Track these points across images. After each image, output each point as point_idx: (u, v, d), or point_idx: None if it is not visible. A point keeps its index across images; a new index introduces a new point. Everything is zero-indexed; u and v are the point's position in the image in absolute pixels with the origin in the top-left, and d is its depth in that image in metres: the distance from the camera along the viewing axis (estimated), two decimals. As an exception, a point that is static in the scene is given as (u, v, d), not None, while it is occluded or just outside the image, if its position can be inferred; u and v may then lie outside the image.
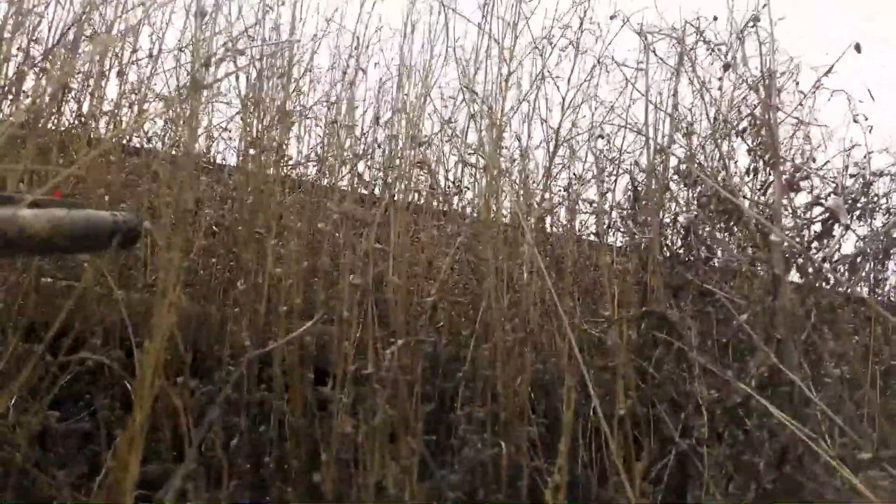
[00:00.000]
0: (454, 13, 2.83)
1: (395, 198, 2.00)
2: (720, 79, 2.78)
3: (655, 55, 2.62)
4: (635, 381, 1.44)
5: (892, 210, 2.54)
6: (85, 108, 2.31)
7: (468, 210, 2.52)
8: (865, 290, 2.56)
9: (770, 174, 2.33)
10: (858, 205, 2.33)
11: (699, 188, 2.62)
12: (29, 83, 2.11)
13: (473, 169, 2.28)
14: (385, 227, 1.66)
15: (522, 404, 1.30)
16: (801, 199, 2.55)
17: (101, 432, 1.23)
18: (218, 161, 2.65)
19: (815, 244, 2.25)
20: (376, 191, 2.37)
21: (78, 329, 1.41)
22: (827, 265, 1.90)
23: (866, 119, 2.62)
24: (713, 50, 2.65)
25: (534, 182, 2.41)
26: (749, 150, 2.56)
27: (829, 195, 2.35)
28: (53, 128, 2.01)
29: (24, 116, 2.06)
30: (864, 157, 2.55)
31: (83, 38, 2.29)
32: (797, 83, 2.62)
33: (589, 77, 3.01)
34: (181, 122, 2.51)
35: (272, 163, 2.27)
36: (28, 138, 2.03)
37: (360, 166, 2.66)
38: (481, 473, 1.13)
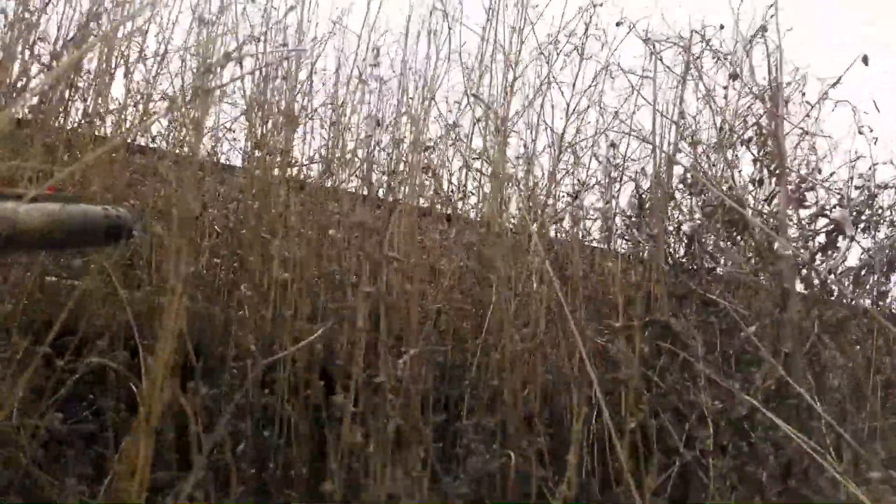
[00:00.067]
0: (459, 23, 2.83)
1: (400, 201, 2.00)
2: (726, 87, 2.78)
3: (662, 63, 2.61)
4: (642, 391, 1.43)
5: (896, 222, 2.54)
6: (91, 108, 2.30)
7: (472, 215, 2.52)
8: (868, 301, 2.55)
9: (776, 184, 2.34)
10: (863, 217, 2.33)
11: (703, 197, 2.62)
12: (35, 82, 2.10)
13: (478, 174, 2.28)
14: (388, 229, 1.66)
15: (530, 413, 1.29)
16: (806, 209, 2.56)
17: (108, 435, 1.22)
18: (222, 162, 2.64)
19: (819, 256, 2.25)
20: (380, 193, 2.37)
21: (83, 329, 1.41)
22: (832, 277, 1.90)
23: (871, 130, 2.62)
24: (720, 59, 2.66)
25: (539, 188, 2.40)
26: (755, 161, 2.56)
27: (834, 207, 2.35)
28: (60, 127, 2.00)
29: (24, 113, 2.06)
30: (869, 168, 2.55)
31: (91, 37, 2.28)
32: (803, 94, 2.63)
33: (594, 83, 3.01)
34: (186, 123, 2.51)
35: (277, 165, 2.27)
36: (35, 137, 2.02)
37: (364, 169, 2.67)
38: (488, 483, 1.13)
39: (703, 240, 2.61)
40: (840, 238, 2.19)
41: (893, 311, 2.87)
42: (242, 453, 1.18)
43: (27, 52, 2.07)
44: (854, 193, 2.46)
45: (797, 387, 1.32)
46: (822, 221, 2.32)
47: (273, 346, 1.40)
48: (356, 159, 2.66)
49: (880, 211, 2.41)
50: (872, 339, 2.15)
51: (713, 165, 2.60)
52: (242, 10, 2.62)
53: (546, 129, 2.85)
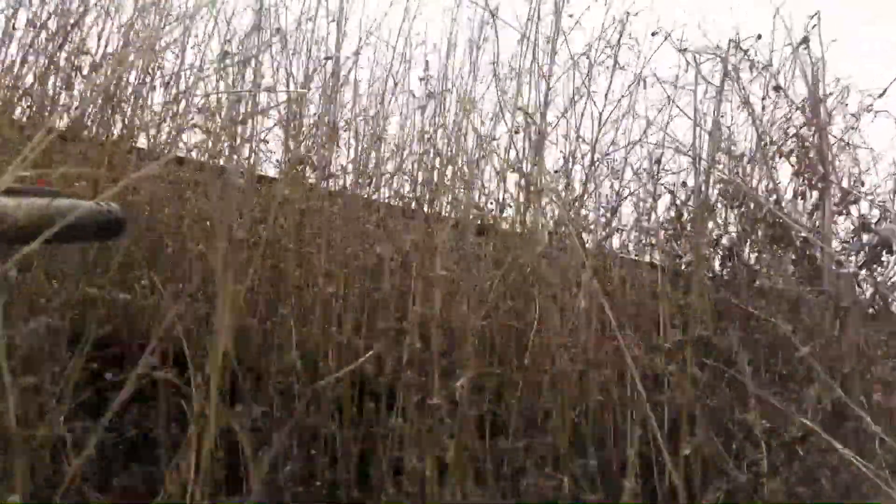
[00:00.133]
0: (493, 25, 2.81)
1: (440, 213, 1.99)
2: (764, 98, 2.74)
3: (700, 75, 2.58)
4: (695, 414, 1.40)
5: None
6: (130, 119, 2.32)
7: (505, 226, 2.50)
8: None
9: (819, 197, 2.29)
10: (908, 230, 2.28)
11: (743, 209, 2.58)
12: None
13: (515, 185, 2.26)
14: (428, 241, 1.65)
15: (580, 434, 1.27)
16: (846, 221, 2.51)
17: (159, 452, 1.22)
18: (259, 173, 2.64)
19: (863, 271, 2.20)
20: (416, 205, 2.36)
21: (128, 341, 1.40)
22: (884, 292, 1.85)
23: (914, 142, 2.56)
24: (759, 71, 2.62)
25: (575, 200, 2.38)
26: (796, 173, 2.51)
27: (878, 221, 2.29)
28: (104, 138, 2.02)
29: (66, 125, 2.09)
30: (913, 180, 2.49)
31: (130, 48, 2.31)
32: (846, 105, 2.58)
33: (627, 93, 2.98)
34: (223, 135, 2.52)
35: (316, 177, 2.27)
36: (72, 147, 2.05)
37: (397, 181, 2.66)
38: (542, 507, 1.11)
39: (743, 253, 2.57)
40: (885, 253, 2.14)
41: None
42: (290, 473, 1.17)
43: (68, 65, 2.10)
44: (897, 207, 2.41)
45: (856, 409, 1.28)
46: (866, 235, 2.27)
47: (317, 363, 1.39)
48: (390, 171, 2.67)
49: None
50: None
51: (754, 178, 2.56)
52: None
53: (580, 140, 2.84)
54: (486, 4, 2.73)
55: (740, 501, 1.48)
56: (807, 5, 2.49)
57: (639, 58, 2.87)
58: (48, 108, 2.01)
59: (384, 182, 2.61)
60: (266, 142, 2.82)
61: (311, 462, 1.28)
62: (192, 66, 2.74)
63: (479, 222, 2.35)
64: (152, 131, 2.39)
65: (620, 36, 2.93)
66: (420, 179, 2.48)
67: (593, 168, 2.87)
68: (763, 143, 2.52)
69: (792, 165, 2.50)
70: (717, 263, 2.65)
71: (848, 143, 2.55)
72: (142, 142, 2.51)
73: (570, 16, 2.89)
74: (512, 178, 2.69)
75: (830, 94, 2.54)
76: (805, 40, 2.32)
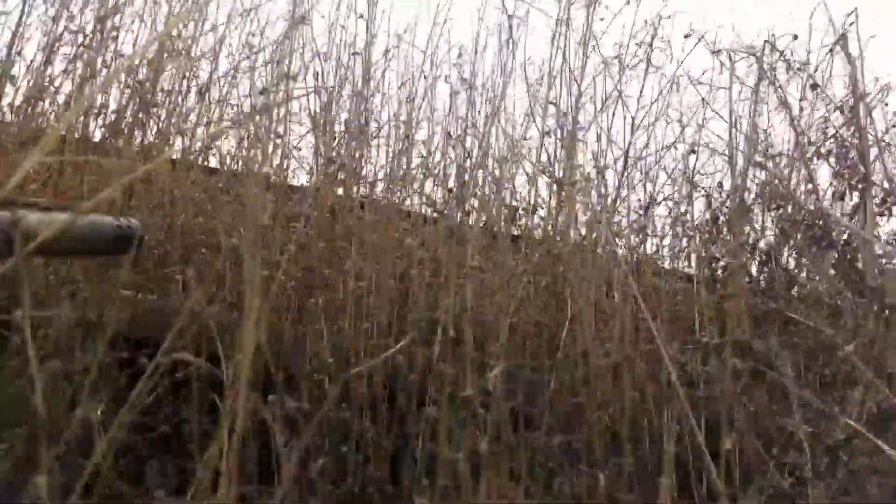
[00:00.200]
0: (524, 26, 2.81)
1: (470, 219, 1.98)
2: (802, 99, 2.69)
3: (735, 77, 2.54)
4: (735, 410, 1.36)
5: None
6: (165, 126, 2.35)
7: (538, 233, 2.48)
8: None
9: (860, 198, 2.23)
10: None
11: (781, 213, 2.53)
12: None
13: (547, 187, 2.24)
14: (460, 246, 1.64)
15: (615, 432, 1.24)
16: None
17: (190, 446, 1.22)
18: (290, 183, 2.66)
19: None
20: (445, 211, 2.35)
21: (161, 341, 1.40)
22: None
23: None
24: (796, 71, 2.57)
25: (609, 204, 2.35)
26: (835, 174, 2.45)
27: (922, 221, 2.23)
28: (139, 144, 2.06)
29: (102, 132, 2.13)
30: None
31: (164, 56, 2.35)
32: (886, 104, 2.52)
33: (660, 96, 2.95)
34: (255, 141, 2.55)
35: (346, 182, 2.28)
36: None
37: (429, 185, 2.66)
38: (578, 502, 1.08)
39: (782, 257, 2.51)
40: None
41: None
42: (322, 469, 1.16)
43: (105, 70, 2.14)
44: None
45: (905, 409, 1.23)
46: None
47: (349, 361, 1.38)
48: (421, 176, 2.67)
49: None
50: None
51: (790, 180, 2.51)
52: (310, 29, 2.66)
53: (611, 143, 2.81)
54: (513, 11, 2.72)
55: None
56: (843, 4, 2.44)
57: (671, 60, 2.85)
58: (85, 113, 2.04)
59: (416, 187, 2.61)
60: (298, 149, 2.85)
61: (342, 459, 1.27)
62: (225, 75, 2.79)
63: (512, 230, 2.34)
64: (186, 139, 2.43)
65: (653, 39, 2.92)
66: (450, 184, 2.48)
67: (626, 172, 2.85)
68: (801, 143, 2.47)
69: (831, 166, 2.45)
70: (754, 268, 2.60)
71: (889, 143, 2.49)
72: (176, 147, 2.56)
73: (602, 19, 2.88)
74: (543, 181, 2.69)
75: (869, 93, 2.49)
76: (843, 37, 2.27)
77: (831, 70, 2.54)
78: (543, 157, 2.45)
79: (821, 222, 2.20)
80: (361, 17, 2.39)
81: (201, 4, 2.42)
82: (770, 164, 2.47)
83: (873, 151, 2.38)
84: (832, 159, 2.46)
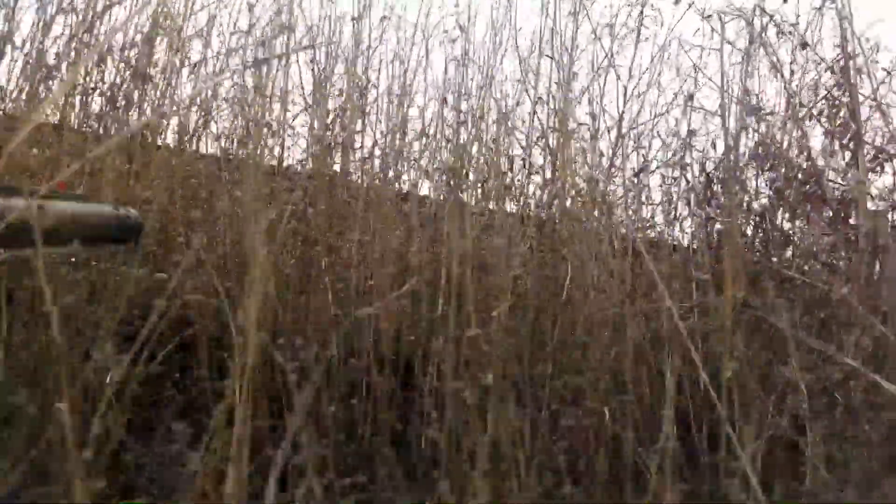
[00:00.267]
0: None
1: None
2: (792, 62, 2.71)
3: (725, 40, 2.55)
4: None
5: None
6: (159, 103, 2.36)
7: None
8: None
9: (851, 155, 2.26)
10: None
11: (774, 174, 2.54)
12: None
13: (542, 153, 2.26)
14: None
15: (620, 372, 1.26)
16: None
17: (202, 403, 1.24)
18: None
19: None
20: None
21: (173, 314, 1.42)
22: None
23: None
24: (786, 34, 2.59)
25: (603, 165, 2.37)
26: (826, 133, 2.47)
27: (914, 176, 2.25)
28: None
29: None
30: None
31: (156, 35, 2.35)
32: (876, 62, 2.54)
33: (652, 65, 2.97)
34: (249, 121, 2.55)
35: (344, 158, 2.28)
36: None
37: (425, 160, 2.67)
38: (583, 442, 1.11)
39: (776, 218, 2.53)
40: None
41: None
42: (333, 414, 1.18)
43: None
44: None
45: (899, 343, 1.26)
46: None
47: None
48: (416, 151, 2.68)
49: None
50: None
51: (785, 140, 2.52)
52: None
53: (603, 112, 2.83)
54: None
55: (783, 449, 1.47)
56: (832, -35, 2.45)
57: (661, 27, 2.86)
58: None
59: (412, 162, 2.62)
60: (293, 127, 2.86)
61: (350, 408, 1.29)
62: (217, 54, 2.79)
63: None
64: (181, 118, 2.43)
65: (643, 7, 2.93)
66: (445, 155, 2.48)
67: (620, 141, 2.86)
68: (793, 104, 2.49)
69: (823, 126, 2.47)
70: (749, 231, 2.62)
71: (880, 102, 2.50)
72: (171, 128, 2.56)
73: (591, -11, 2.89)
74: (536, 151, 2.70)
75: (859, 53, 2.50)
76: (832, -5, 2.28)
77: (821, 31, 2.55)
78: (536, 124, 2.46)
79: (814, 180, 2.22)
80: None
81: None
82: (762, 126, 2.49)
83: (863, 111, 2.41)
84: (824, 119, 2.48)
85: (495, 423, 0.90)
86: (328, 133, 2.43)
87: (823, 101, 2.54)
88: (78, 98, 2.05)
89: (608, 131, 2.84)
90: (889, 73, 2.39)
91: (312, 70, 2.61)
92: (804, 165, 2.28)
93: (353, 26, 2.45)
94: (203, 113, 2.62)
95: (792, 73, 2.73)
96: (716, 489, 1.20)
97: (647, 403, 1.32)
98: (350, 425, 1.31)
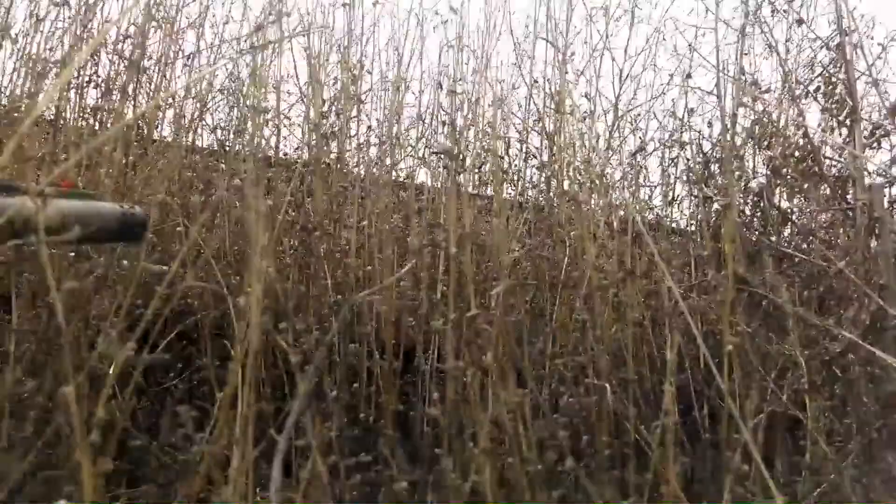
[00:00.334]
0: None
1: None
2: (788, 40, 2.71)
3: (719, 19, 2.55)
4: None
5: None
6: (154, 94, 2.35)
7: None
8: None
9: (848, 132, 2.26)
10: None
11: (770, 153, 2.55)
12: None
13: (539, 135, 2.26)
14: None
15: (620, 351, 1.27)
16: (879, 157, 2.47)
17: (205, 390, 1.25)
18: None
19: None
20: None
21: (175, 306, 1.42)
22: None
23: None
24: (780, 10, 2.59)
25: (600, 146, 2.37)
26: (823, 110, 2.47)
27: (911, 151, 2.25)
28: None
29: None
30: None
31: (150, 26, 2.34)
32: (871, 38, 2.54)
33: (647, 46, 2.98)
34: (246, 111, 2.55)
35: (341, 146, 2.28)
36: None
37: (422, 148, 2.67)
38: (584, 419, 1.12)
39: (773, 197, 2.54)
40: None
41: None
42: (336, 399, 1.19)
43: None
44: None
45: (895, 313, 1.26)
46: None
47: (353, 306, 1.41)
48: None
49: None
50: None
51: (781, 118, 2.53)
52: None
53: (600, 96, 2.83)
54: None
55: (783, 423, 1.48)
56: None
57: (655, 7, 2.87)
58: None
59: (408, 150, 2.63)
60: (289, 118, 2.86)
61: (354, 394, 1.30)
62: (211, 46, 2.78)
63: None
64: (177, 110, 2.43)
65: (638, -12, 2.92)
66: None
67: (616, 123, 2.87)
68: (789, 82, 2.49)
69: (819, 103, 2.47)
70: (747, 210, 2.63)
71: (876, 79, 2.50)
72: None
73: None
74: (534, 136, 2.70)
75: (854, 29, 2.50)
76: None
77: (815, 8, 2.55)
78: (532, 108, 2.47)
79: (811, 157, 2.22)
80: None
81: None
82: (759, 104, 2.49)
83: (859, 87, 2.40)
84: (820, 96, 2.48)
85: (496, 402, 0.90)
86: (324, 121, 2.43)
87: (819, 79, 2.54)
88: (73, 92, 2.05)
89: (605, 114, 2.85)
90: (884, 48, 2.39)
91: (308, 56, 2.61)
92: (801, 143, 2.29)
93: (346, 12, 2.44)
94: (199, 104, 2.62)
95: (787, 50, 2.74)
96: (717, 465, 1.22)
97: (648, 381, 1.33)
98: (353, 410, 1.32)
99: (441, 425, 0.93)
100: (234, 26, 2.81)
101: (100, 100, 1.96)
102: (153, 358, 1.06)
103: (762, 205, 2.49)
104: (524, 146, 2.61)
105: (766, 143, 2.45)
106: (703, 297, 1.60)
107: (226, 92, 2.79)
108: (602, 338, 1.23)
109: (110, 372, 1.02)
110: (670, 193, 2.86)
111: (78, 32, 2.00)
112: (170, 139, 2.44)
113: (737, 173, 2.55)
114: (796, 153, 2.27)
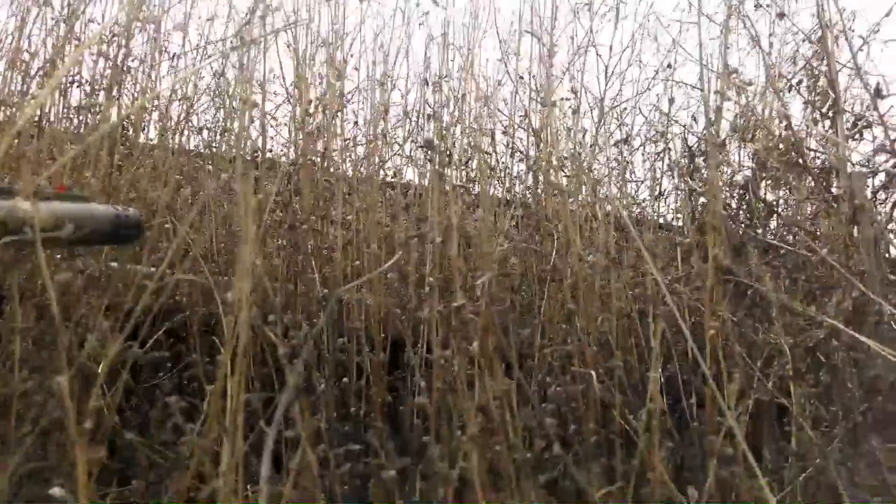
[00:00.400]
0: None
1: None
2: (771, 34, 2.74)
3: (703, 14, 2.57)
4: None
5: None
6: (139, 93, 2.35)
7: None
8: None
9: (831, 123, 2.28)
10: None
11: (754, 146, 2.57)
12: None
13: (526, 132, 2.27)
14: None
15: (607, 341, 1.29)
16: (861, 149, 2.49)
17: (195, 386, 1.25)
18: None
19: (880, 194, 2.20)
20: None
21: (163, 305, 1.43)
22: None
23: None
24: (763, 5, 2.61)
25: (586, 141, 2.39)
26: (806, 103, 2.50)
27: (894, 142, 2.28)
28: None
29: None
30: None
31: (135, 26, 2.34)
32: (853, 30, 2.56)
33: (632, 43, 3.00)
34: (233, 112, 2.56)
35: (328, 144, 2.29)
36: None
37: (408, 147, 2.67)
38: (571, 407, 1.13)
39: (758, 189, 2.56)
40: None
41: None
42: (323, 392, 1.20)
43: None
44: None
45: (882, 302, 1.28)
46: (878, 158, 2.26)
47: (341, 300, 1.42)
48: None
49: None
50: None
51: (765, 111, 2.55)
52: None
53: (585, 92, 2.85)
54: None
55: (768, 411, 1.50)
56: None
57: (640, 2, 2.89)
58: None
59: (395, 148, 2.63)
60: (275, 118, 2.85)
61: (345, 389, 1.31)
62: (196, 47, 2.77)
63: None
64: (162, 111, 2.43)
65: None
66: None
67: (602, 120, 2.89)
68: (772, 76, 2.52)
69: (802, 96, 2.50)
70: (733, 203, 2.66)
71: (859, 70, 2.53)
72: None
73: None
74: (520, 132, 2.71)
75: (836, 22, 2.53)
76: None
77: (797, 1, 2.58)
78: (518, 104, 2.48)
79: (795, 149, 2.24)
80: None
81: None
82: (742, 98, 2.51)
83: (842, 80, 2.43)
84: (803, 89, 2.50)
85: (483, 390, 0.91)
86: (309, 119, 2.43)
87: (802, 72, 2.57)
88: (56, 93, 2.04)
89: (591, 109, 2.87)
90: (865, 40, 2.41)
91: (294, 52, 2.61)
92: (784, 135, 2.31)
93: (330, 10, 2.45)
94: (185, 104, 2.61)
95: (771, 44, 2.77)
96: (703, 450, 1.23)
97: (636, 372, 1.34)
98: (343, 406, 1.32)
99: (429, 413, 0.94)
100: (220, 27, 2.81)
101: (83, 100, 1.96)
102: (143, 354, 1.07)
103: (747, 197, 2.52)
104: (510, 142, 2.62)
105: (750, 135, 2.47)
106: (688, 288, 1.61)
107: (212, 93, 2.78)
108: (588, 328, 1.25)
109: (99, 371, 1.02)
110: (657, 188, 2.89)
111: (62, 34, 2.00)
112: (155, 141, 2.44)
113: (721, 166, 2.57)
114: (780, 145, 2.29)
